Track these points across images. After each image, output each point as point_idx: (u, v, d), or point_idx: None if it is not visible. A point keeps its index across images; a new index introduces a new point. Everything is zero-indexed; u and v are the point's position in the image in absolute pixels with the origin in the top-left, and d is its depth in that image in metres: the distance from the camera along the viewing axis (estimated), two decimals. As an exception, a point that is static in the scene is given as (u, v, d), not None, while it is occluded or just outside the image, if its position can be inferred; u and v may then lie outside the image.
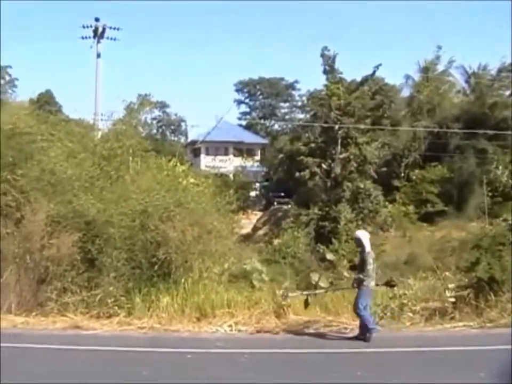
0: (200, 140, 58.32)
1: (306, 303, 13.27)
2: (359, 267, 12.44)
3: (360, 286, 12.14)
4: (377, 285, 12.78)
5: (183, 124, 73.58)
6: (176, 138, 73.19)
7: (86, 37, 36.05)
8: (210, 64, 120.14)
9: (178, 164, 19.85)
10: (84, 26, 35.89)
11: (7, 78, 40.63)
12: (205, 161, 63.24)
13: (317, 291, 13.77)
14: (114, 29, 36.33)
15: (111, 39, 36.39)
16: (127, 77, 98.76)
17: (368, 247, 12.32)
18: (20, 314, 13.83)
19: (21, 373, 9.33)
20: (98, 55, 35.89)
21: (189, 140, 69.99)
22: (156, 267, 14.41)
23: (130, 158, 17.62)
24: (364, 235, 12.78)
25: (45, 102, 37.71)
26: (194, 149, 64.23)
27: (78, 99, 55.80)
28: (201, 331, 12.84)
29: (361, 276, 12.12)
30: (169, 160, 19.40)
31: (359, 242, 12.64)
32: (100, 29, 35.74)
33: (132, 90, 51.38)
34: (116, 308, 13.69)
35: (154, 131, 67.53)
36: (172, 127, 73.43)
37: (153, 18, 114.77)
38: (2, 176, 15.59)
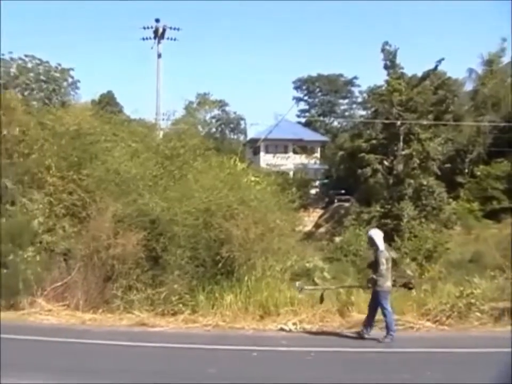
0: (262, 138, 58.31)
1: (321, 298, 13.16)
2: (373, 267, 12.17)
3: (374, 286, 11.92)
4: (394, 285, 12.49)
5: (242, 122, 73.90)
6: (235, 137, 73.53)
7: (146, 38, 36.57)
8: (269, 62, 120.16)
9: (239, 162, 19.84)
10: (144, 28, 36.44)
11: (70, 80, 41.37)
12: (265, 159, 63.28)
13: (332, 287, 13.93)
14: (174, 29, 36.73)
15: (171, 39, 36.81)
16: (186, 76, 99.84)
17: (381, 247, 12.03)
18: (87, 311, 14.13)
19: (92, 369, 9.50)
20: (159, 56, 36.33)
21: (248, 138, 70.21)
22: (219, 265, 14.48)
23: (193, 157, 17.78)
24: (376, 234, 12.40)
25: (107, 103, 38.34)
26: (254, 147, 64.39)
27: (139, 99, 56.84)
28: (266, 329, 12.80)
29: (374, 277, 11.88)
30: (231, 159, 19.43)
31: (372, 242, 12.33)
32: (160, 30, 36.16)
33: (191, 90, 51.85)
34: (181, 305, 13.79)
35: (214, 130, 67.98)
36: (231, 126, 73.73)
37: (212, 17, 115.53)
38: (68, 176, 15.97)
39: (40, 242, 15.11)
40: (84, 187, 15.72)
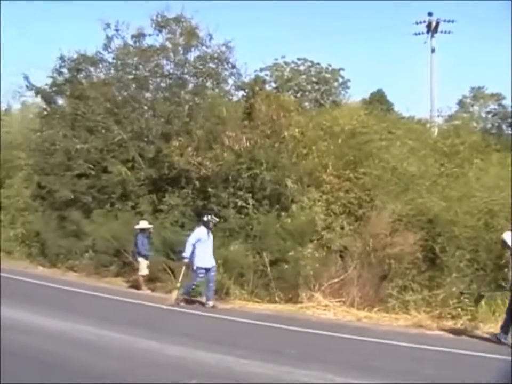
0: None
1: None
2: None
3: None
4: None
5: (522, 116, 68.99)
6: (514, 132, 68.91)
7: (419, 33, 35.87)
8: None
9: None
10: (416, 23, 35.76)
11: (340, 80, 42.13)
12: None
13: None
14: (448, 21, 35.50)
15: (445, 32, 35.62)
16: (460, 70, 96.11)
17: None
18: (362, 309, 14.24)
19: (370, 367, 9.43)
20: (433, 50, 35.40)
21: (530, 134, 65.39)
22: (501, 270, 13.58)
23: (472, 155, 16.99)
24: (508, 236, 11.27)
25: (377, 101, 38.35)
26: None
27: (410, 96, 55.86)
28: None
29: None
30: (512, 156, 18.15)
31: (505, 244, 11.35)
32: (433, 24, 35.22)
33: (465, 84, 49.39)
34: (459, 309, 13.19)
35: (489, 125, 64.44)
36: (509, 120, 69.33)
37: (487, 7, 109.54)
38: (345, 174, 16.27)
39: (318, 240, 15.58)
40: (360, 185, 15.90)
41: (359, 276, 14.63)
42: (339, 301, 14.60)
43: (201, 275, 14.39)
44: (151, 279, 16.88)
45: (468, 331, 12.35)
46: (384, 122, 18.22)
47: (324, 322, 13.22)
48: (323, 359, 9.79)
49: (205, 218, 14.72)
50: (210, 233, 14.58)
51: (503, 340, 11.18)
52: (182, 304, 14.39)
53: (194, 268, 14.41)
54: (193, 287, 14.63)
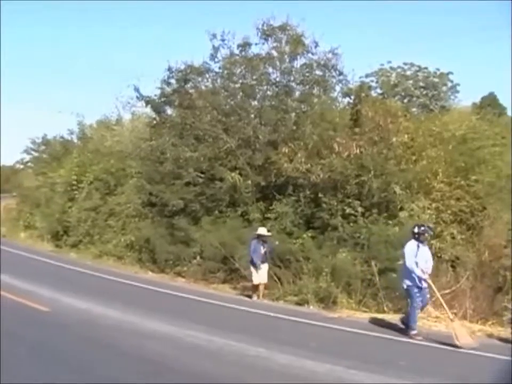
0: None
1: None
2: None
3: None
4: None
5: None
6: None
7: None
8: None
9: None
10: (529, 24, 34.39)
11: (449, 84, 40.98)
12: None
13: None
14: None
15: (561, 32, 34.11)
16: None
17: None
18: (475, 322, 13.66)
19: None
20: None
21: None
22: None
23: None
24: None
25: (488, 106, 37.00)
26: None
27: (522, 100, 53.39)
28: None
29: None
30: None
31: None
32: (549, 24, 33.76)
33: None
34: None
35: None
36: None
37: None
38: (456, 182, 15.79)
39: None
40: (472, 193, 15.38)
41: (472, 287, 14.09)
42: (451, 313, 14.09)
43: (417, 295, 12.32)
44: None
45: None
46: (497, 127, 17.58)
47: (435, 334, 12.76)
48: (435, 373, 9.48)
49: (415, 230, 12.40)
50: (422, 247, 12.36)
51: None
52: (419, 338, 12.11)
53: (405, 287, 12.46)
54: (418, 311, 12.52)
